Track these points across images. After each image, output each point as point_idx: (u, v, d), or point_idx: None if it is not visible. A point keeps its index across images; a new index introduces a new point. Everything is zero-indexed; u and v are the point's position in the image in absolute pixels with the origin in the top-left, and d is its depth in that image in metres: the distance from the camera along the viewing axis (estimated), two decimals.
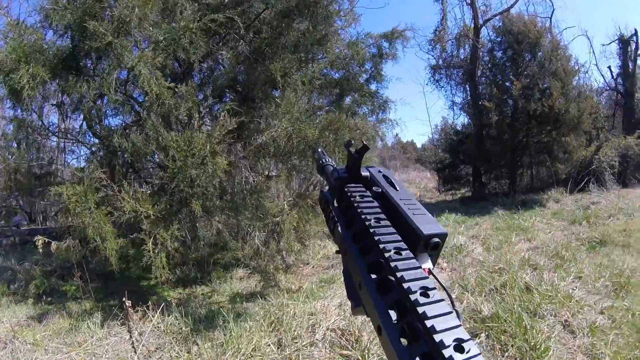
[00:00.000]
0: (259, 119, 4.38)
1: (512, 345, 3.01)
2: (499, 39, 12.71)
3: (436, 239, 0.53)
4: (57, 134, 7.14)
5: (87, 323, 4.20)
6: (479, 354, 0.37)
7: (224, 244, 4.41)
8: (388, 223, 0.56)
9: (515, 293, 3.94)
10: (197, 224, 3.94)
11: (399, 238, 0.53)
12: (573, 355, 2.96)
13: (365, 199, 0.61)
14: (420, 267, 0.48)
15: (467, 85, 13.55)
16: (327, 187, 0.72)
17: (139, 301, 4.35)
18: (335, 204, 0.66)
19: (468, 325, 3.48)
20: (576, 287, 4.13)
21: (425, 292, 0.43)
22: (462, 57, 13.81)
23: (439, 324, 0.39)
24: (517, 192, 12.20)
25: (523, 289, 4.08)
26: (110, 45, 4.05)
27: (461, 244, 5.98)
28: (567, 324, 3.42)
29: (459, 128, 14.66)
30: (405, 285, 0.44)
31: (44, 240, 4.11)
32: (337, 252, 0.62)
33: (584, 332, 3.25)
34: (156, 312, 2.86)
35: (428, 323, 0.39)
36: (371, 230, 0.54)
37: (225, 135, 3.76)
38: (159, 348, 3.47)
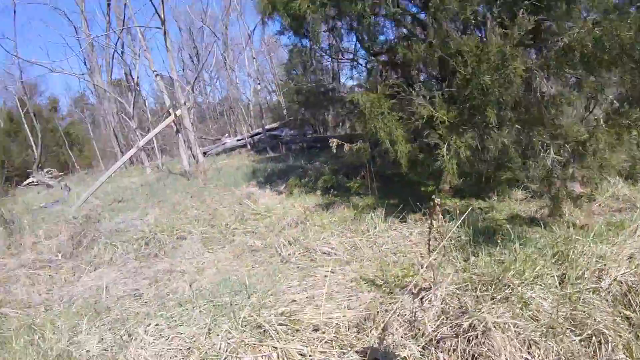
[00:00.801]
0: (550, 21, 3.76)
1: None
2: None
3: None
4: (333, 55, 7.88)
5: (371, 216, 4.70)
6: None
7: (508, 160, 4.15)
8: None
9: None
10: (485, 136, 3.75)
11: None
12: None
13: None
14: None
15: None
16: None
17: (418, 205, 4.64)
18: None
19: None
20: None
21: None
22: None
23: None
24: None
25: None
26: None
27: None
28: None
29: None
30: None
31: (338, 142, 4.61)
32: None
33: None
34: (437, 216, 2.93)
35: None
36: None
37: (523, 36, 3.35)
38: (433, 250, 3.60)
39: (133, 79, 16.46)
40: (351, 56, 6.96)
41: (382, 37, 6.13)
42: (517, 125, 3.68)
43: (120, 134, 19.90)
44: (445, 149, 3.56)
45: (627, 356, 2.18)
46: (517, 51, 3.34)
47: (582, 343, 2.28)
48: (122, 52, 16.82)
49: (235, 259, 4.50)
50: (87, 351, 2.97)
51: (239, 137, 16.58)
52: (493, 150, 3.77)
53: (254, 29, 21.86)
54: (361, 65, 6.92)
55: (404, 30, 5.64)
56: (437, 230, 2.81)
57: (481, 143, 3.70)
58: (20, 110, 22.56)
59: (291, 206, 5.94)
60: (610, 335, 2.26)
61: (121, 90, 19.56)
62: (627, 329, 2.37)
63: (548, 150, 3.58)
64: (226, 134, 19.49)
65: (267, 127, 15.15)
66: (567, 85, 3.82)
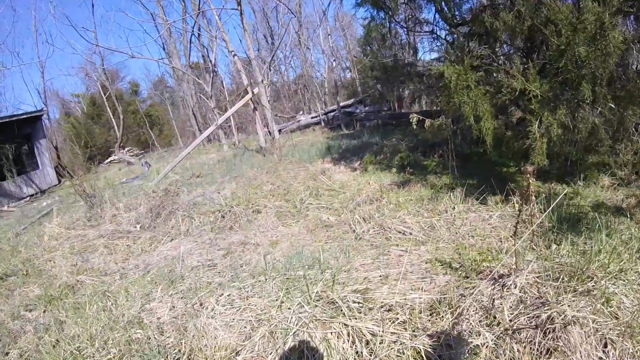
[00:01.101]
0: None
1: None
2: None
3: None
4: (410, 28, 7.61)
5: (449, 196, 4.54)
6: None
7: (596, 142, 3.78)
8: None
9: None
10: (577, 114, 3.43)
11: None
12: None
13: None
14: None
15: None
16: None
17: (497, 186, 4.41)
18: None
19: None
20: None
21: None
22: None
23: None
24: None
25: None
26: None
27: None
28: None
29: None
30: None
31: (419, 118, 4.46)
32: None
33: None
34: (530, 198, 2.73)
35: None
36: None
37: (623, 3, 3.01)
38: (523, 235, 3.41)
39: (211, 60, 17.08)
40: (430, 28, 6.70)
41: (465, 6, 5.85)
42: (610, 104, 3.34)
43: (199, 113, 20.93)
44: (537, 125, 3.31)
45: None
46: (616, 19, 3.01)
47: None
48: (198, 35, 17.52)
49: (308, 234, 4.54)
50: (158, 318, 3.09)
51: (313, 115, 16.72)
52: (583, 131, 3.45)
53: (328, 5, 21.68)
54: (441, 37, 6.65)
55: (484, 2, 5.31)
56: (526, 214, 2.64)
57: (572, 121, 3.40)
58: (103, 95, 24.50)
59: (366, 183, 5.89)
60: None
61: (199, 72, 20.47)
62: None
63: None
64: (300, 112, 19.77)
65: (341, 104, 15.11)
66: None
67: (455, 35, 5.94)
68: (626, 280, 2.56)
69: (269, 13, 23.05)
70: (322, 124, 15.27)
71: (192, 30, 17.13)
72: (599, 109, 3.46)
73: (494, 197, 4.38)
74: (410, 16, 7.12)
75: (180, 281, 3.71)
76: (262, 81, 10.95)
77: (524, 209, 2.54)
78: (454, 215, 4.09)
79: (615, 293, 2.41)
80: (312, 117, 16.36)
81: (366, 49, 13.10)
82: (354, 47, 21.01)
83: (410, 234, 3.92)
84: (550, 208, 2.98)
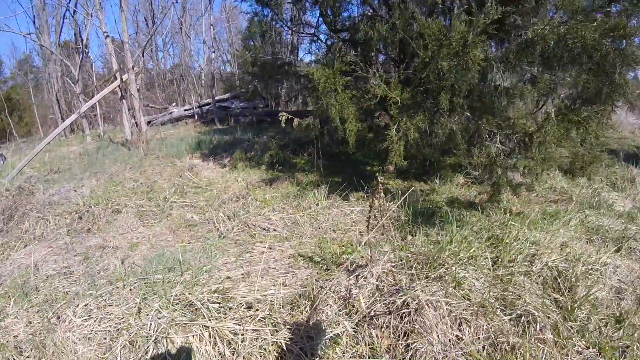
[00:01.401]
0: (518, 16, 3.79)
1: None
2: None
3: None
4: (293, 28, 7.66)
5: (314, 193, 4.64)
6: None
7: (453, 146, 4.23)
8: None
9: None
10: (435, 120, 3.75)
11: None
12: None
13: None
14: None
15: None
16: None
17: (361, 183, 4.63)
18: None
19: None
20: None
21: None
22: None
23: None
24: None
25: None
26: None
27: None
28: None
29: None
30: None
31: (287, 117, 4.48)
32: None
33: None
34: (379, 194, 2.93)
35: None
36: None
37: (488, 26, 3.34)
38: (375, 228, 3.61)
39: (82, 40, 15.28)
40: (312, 30, 6.79)
41: (346, 14, 6.03)
42: (467, 113, 3.70)
43: (63, 99, 18.51)
44: (394, 129, 3.51)
45: (554, 336, 2.29)
46: (479, 39, 3.31)
47: (512, 322, 2.37)
48: (74, 12, 15.53)
49: (171, 234, 4.29)
50: (15, 336, 2.73)
51: (186, 107, 15.90)
52: (441, 135, 3.78)
53: None
54: (322, 40, 6.79)
55: (370, 9, 5.55)
56: (377, 208, 2.78)
57: (430, 127, 3.70)
58: None
59: (234, 180, 5.79)
60: (539, 316, 2.36)
61: (68, 53, 18.14)
62: (555, 311, 2.49)
63: (495, 139, 3.63)
64: (174, 103, 18.63)
65: (217, 98, 14.61)
66: (522, 80, 3.88)
67: (335, 40, 6.10)
68: (476, 266, 2.88)
69: None
70: (196, 117, 14.60)
71: (68, 5, 15.03)
72: (457, 117, 3.78)
73: (356, 193, 4.67)
74: (294, 17, 7.14)
75: (35, 293, 3.27)
76: (132, 67, 10.03)
77: (374, 204, 2.65)
78: (318, 211, 4.20)
79: (466, 277, 2.68)
80: (185, 110, 15.52)
81: (248, 43, 12.90)
82: (237, 40, 20.52)
83: (275, 230, 3.93)
84: (399, 202, 3.19)
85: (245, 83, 14.01)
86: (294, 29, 7.75)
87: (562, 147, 3.93)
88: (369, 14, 5.57)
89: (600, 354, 2.22)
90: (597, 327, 2.41)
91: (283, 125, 4.48)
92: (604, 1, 4.65)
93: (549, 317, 2.39)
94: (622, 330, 2.38)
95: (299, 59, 9.63)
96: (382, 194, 2.69)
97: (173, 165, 6.78)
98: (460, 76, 3.35)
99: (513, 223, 3.60)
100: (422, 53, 3.51)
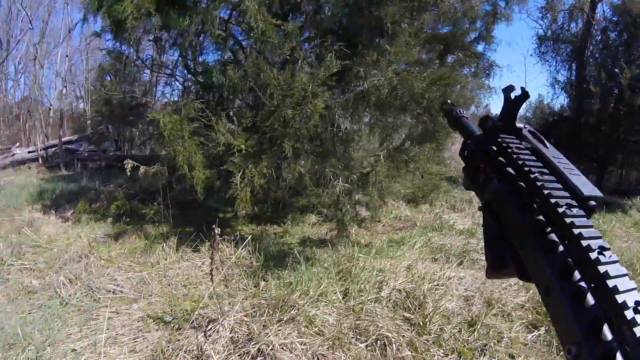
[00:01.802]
0: (360, 67, 4.23)
1: None
2: (615, 19, 11.31)
3: (594, 202, 0.49)
4: (152, 68, 7.44)
5: (163, 246, 4.40)
6: None
7: (303, 188, 4.44)
8: (553, 178, 0.50)
9: None
10: (283, 165, 3.94)
11: (568, 194, 0.48)
12: None
13: (523, 151, 0.55)
14: (592, 225, 0.44)
15: (573, 64, 12.30)
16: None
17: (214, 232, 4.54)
18: (484, 156, 0.61)
19: (530, 316, 3.28)
20: None
21: (602, 251, 0.40)
22: (573, 31, 12.51)
23: (620, 284, 0.37)
24: (603, 191, 11.16)
25: None
26: None
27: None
28: None
29: (556, 109, 13.36)
30: (584, 243, 0.41)
31: (133, 164, 4.28)
32: (479, 208, 0.58)
33: None
34: (231, 244, 2.96)
35: (610, 283, 0.37)
36: (538, 183, 0.48)
37: (328, 78, 3.66)
38: (228, 278, 3.57)
39: None
40: (170, 72, 6.67)
41: (203, 58, 6.06)
42: (312, 157, 3.94)
43: None
44: (239, 177, 3.58)
45: (412, 352, 2.48)
46: (320, 90, 3.58)
47: (369, 348, 2.51)
48: None
49: (9, 304, 3.69)
50: None
51: (31, 149, 14.07)
52: (290, 179, 3.96)
53: (77, 23, 18.90)
54: (179, 82, 6.68)
55: (229, 55, 5.66)
56: (220, 259, 2.78)
57: (277, 172, 3.86)
58: None
59: (77, 236, 5.19)
60: (393, 337, 2.54)
61: None
62: (408, 329, 2.72)
63: (338, 180, 3.92)
64: (17, 144, 16.35)
65: (64, 139, 13.20)
66: (361, 124, 4.29)
67: (190, 84, 6.07)
68: (327, 301, 3.01)
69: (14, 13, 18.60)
70: (40, 160, 13.01)
71: None
72: (303, 161, 4.00)
73: (207, 243, 4.51)
74: (153, 55, 6.97)
75: None
76: None
77: (214, 256, 2.66)
78: (167, 266, 4.01)
79: (317, 315, 2.77)
80: (29, 152, 13.70)
81: (104, 79, 12.02)
82: (94, 75, 18.84)
83: (121, 292, 3.63)
84: (240, 250, 3.23)
85: (95, 124, 12.98)
86: (151, 68, 7.51)
87: (397, 182, 4.39)
88: (228, 59, 5.68)
89: (460, 358, 2.47)
90: (451, 335, 2.68)
91: (128, 174, 4.27)
92: (436, 55, 5.45)
93: (403, 336, 2.59)
94: (476, 332, 2.69)
95: (155, 100, 9.29)
96: (219, 245, 2.70)
97: (11, 220, 5.90)
98: (303, 123, 3.59)
99: (359, 255, 3.86)
100: (269, 102, 3.69)
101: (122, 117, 7.00)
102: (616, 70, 10.55)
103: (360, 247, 4.26)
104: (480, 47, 5.84)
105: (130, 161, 4.25)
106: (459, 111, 0.76)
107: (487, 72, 5.70)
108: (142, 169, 4.32)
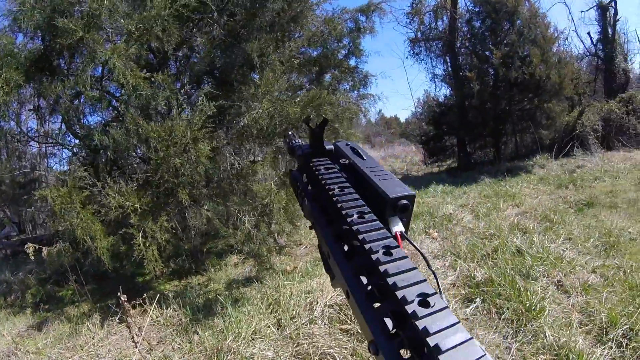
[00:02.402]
0: (239, 102, 4.33)
1: (507, 308, 3.05)
2: (476, 9, 12.62)
3: (404, 201, 0.54)
4: (37, 139, 7.06)
5: (87, 325, 4.17)
6: (446, 307, 0.37)
7: (215, 232, 4.40)
8: (352, 191, 0.56)
9: (507, 257, 4.01)
10: (187, 214, 3.91)
11: (363, 203, 0.53)
12: (568, 314, 2.98)
13: (330, 170, 0.62)
14: (383, 228, 0.48)
15: (447, 57, 13.51)
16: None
17: (136, 297, 4.33)
18: (305, 180, 0.67)
19: (463, 291, 3.54)
20: (567, 249, 4.18)
21: (387, 250, 0.43)
22: (441, 29, 13.73)
23: (401, 280, 0.39)
24: (503, 160, 12.33)
25: (514, 252, 4.15)
26: (82, 41, 3.96)
27: (450, 213, 6.06)
28: (560, 284, 3.46)
29: (441, 100, 14.62)
30: (367, 246, 0.44)
31: (35, 247, 4.03)
32: (310, 227, 0.63)
33: (578, 291, 3.30)
34: (152, 305, 2.87)
35: (390, 280, 0.39)
36: (334, 198, 0.54)
37: (205, 120, 3.71)
38: (160, 341, 3.49)
39: None
40: (55, 140, 6.35)
41: (86, 120, 5.84)
42: (215, 199, 3.96)
43: None
44: (140, 237, 3.51)
45: None
46: (201, 134, 3.62)
47: None
48: None
49: None
50: None
51: None
52: (199, 225, 3.93)
53: None
54: (68, 149, 6.37)
55: (112, 112, 5.51)
56: (138, 326, 2.71)
57: (183, 222, 3.81)
58: None
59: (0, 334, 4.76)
60: (335, 352, 2.60)
61: None
62: (348, 340, 2.78)
63: (245, 215, 3.97)
64: None
65: None
66: (253, 156, 4.38)
67: (80, 149, 5.81)
68: (262, 337, 3.03)
69: None
70: None
71: None
72: (206, 205, 4.00)
73: (133, 309, 4.32)
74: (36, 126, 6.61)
75: None
76: None
77: (130, 324, 2.59)
78: (96, 345, 3.80)
79: (254, 352, 2.78)
80: None
81: None
82: None
83: None
84: (173, 305, 3.16)
85: None
86: (37, 139, 7.10)
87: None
88: (111, 117, 5.54)
89: None
90: None
91: (32, 258, 4.01)
92: (312, 77, 5.70)
93: (345, 348, 2.65)
94: None
95: (50, 172, 8.75)
96: (130, 312, 2.64)
97: None
98: (193, 170, 3.60)
99: (285, 283, 3.91)
100: (154, 155, 3.66)
101: (15, 197, 6.51)
102: (487, 53, 11.71)
103: (286, 274, 4.31)
104: (353, 62, 6.24)
105: (31, 244, 3.98)
106: (295, 141, 0.79)
107: (364, 82, 6.08)
108: (45, 250, 4.06)
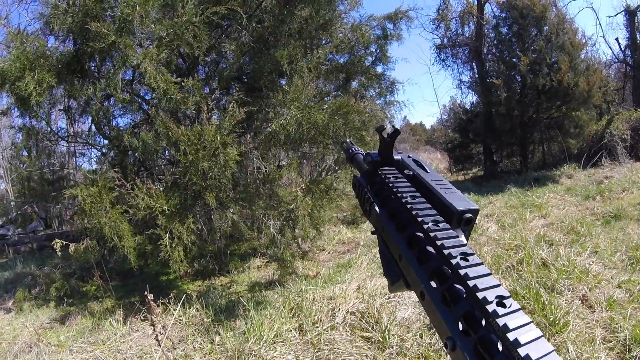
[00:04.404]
0: (267, 108, 4.38)
1: None
2: (503, 15, 12.42)
3: (469, 215, 0.56)
4: (66, 138, 7.23)
5: (110, 321, 4.26)
6: (520, 309, 0.40)
7: (239, 234, 4.45)
8: (423, 200, 0.59)
9: (532, 269, 3.93)
10: (212, 216, 3.96)
11: (435, 212, 0.56)
12: (592, 329, 2.91)
13: (399, 180, 0.64)
14: (457, 236, 0.50)
15: (473, 63, 13.35)
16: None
17: (160, 296, 4.42)
18: (369, 187, 0.69)
19: None
20: (592, 262, 4.07)
21: (465, 256, 0.46)
22: (467, 35, 13.58)
23: (480, 283, 0.42)
24: (529, 169, 12.10)
25: (540, 265, 4.06)
26: (114, 45, 4.06)
27: (476, 223, 5.95)
28: (585, 298, 3.38)
29: (467, 107, 14.47)
30: (446, 252, 0.47)
31: (62, 243, 4.15)
32: (372, 232, 0.65)
33: (602, 306, 3.21)
34: (177, 305, 2.92)
35: (470, 283, 0.42)
36: (408, 206, 0.57)
37: (234, 126, 3.76)
38: (182, 340, 3.53)
39: None
40: (85, 140, 6.52)
41: (116, 122, 5.96)
42: (240, 203, 4.00)
43: None
44: (167, 238, 3.57)
45: None
46: (230, 139, 3.66)
47: None
48: None
49: None
50: None
51: None
52: (224, 228, 3.98)
53: None
54: (97, 149, 6.53)
55: (141, 115, 5.63)
56: (163, 324, 2.75)
57: (209, 224, 3.86)
58: None
59: (23, 326, 4.90)
60: (356, 359, 2.61)
61: None
62: (369, 348, 2.78)
63: (270, 220, 4.01)
64: None
65: None
66: (279, 162, 4.42)
67: (109, 149, 5.95)
68: (284, 340, 3.03)
69: None
70: None
71: None
72: (232, 208, 4.04)
73: (157, 308, 4.40)
74: (69, 126, 6.79)
75: None
76: None
77: (154, 323, 2.63)
78: (118, 341, 3.87)
79: (275, 356, 2.80)
80: None
81: (20, 156, 11.46)
82: (10, 153, 17.85)
83: None
84: (196, 305, 3.20)
85: (19, 204, 12.28)
86: (66, 139, 7.29)
87: (326, 211, 4.53)
88: (140, 120, 5.65)
89: None
90: (414, 342, 2.76)
91: (59, 253, 4.12)
92: (339, 84, 5.71)
93: (366, 356, 2.66)
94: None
95: (79, 170, 8.96)
96: (157, 310, 2.68)
97: None
98: (221, 173, 3.65)
99: (307, 288, 3.92)
100: (183, 159, 3.72)
101: (44, 193, 6.69)
102: (514, 60, 11.52)
103: (309, 279, 4.32)
104: (380, 68, 6.25)
105: (59, 240, 4.10)
106: (354, 149, 0.84)
107: (390, 89, 6.07)
108: (72, 246, 4.17)
